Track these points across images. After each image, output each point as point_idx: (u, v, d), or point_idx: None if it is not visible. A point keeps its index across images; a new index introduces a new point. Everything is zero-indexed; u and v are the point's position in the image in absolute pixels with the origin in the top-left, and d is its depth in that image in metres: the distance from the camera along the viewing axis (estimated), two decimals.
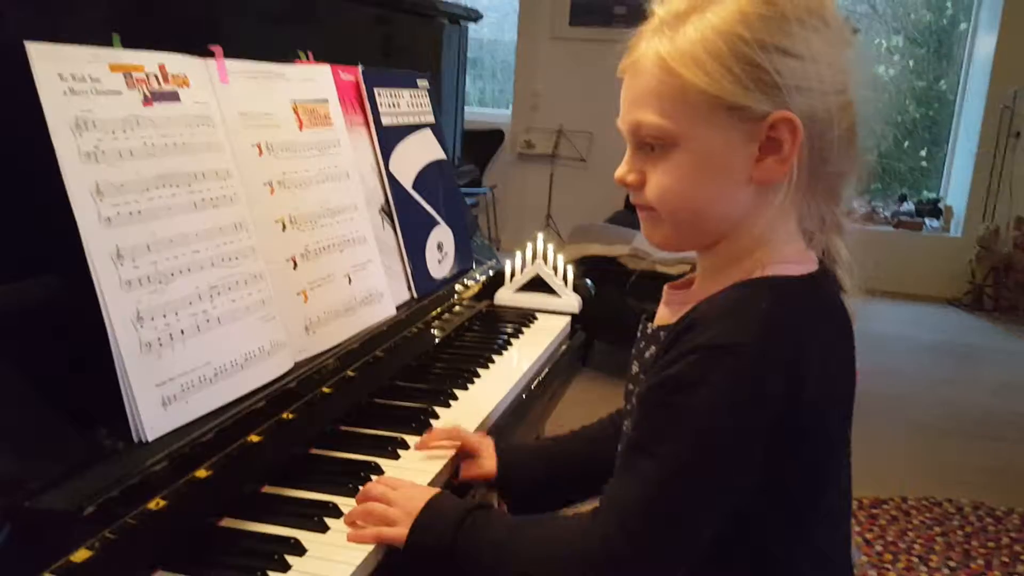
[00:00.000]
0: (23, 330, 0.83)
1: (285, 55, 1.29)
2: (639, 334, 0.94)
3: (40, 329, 0.85)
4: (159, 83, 0.97)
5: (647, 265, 3.51)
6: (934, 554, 2.55)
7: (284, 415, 1.02)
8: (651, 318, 0.94)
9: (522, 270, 1.81)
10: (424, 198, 1.55)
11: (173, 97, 0.99)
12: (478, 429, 1.20)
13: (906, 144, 6.22)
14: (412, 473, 1.05)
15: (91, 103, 0.88)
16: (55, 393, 0.81)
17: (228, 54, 1.11)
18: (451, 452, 1.13)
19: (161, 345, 0.88)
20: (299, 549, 0.88)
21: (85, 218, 0.84)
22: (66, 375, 0.84)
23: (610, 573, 0.79)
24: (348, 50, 1.45)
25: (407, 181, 1.51)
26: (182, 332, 0.91)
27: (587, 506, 0.88)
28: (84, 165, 0.85)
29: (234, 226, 1.03)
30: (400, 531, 0.89)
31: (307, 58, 1.34)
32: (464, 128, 2.20)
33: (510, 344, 1.57)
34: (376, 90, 1.46)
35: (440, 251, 1.58)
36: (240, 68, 1.13)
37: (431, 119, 1.63)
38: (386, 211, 1.44)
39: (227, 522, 0.93)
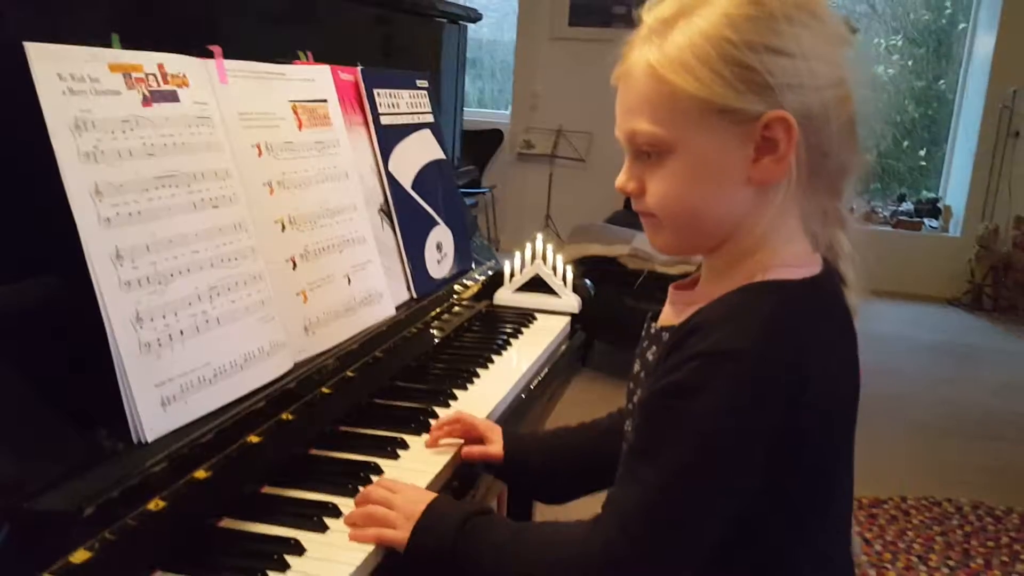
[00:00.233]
0: (22, 331, 0.83)
1: (284, 55, 1.29)
2: (643, 334, 0.94)
3: (39, 330, 0.85)
4: (158, 83, 0.97)
5: (647, 265, 3.51)
6: (933, 553, 2.55)
7: (284, 415, 1.02)
8: (655, 318, 0.94)
9: (521, 270, 1.81)
10: (423, 198, 1.54)
11: (172, 97, 0.99)
12: (492, 460, 1.19)
13: (905, 144, 6.22)
14: (412, 473, 1.05)
15: (90, 103, 0.88)
16: (54, 394, 0.81)
17: (227, 54, 1.10)
18: (454, 449, 1.13)
19: (160, 346, 0.88)
20: (299, 549, 0.88)
21: (84, 218, 0.84)
22: (65, 376, 0.84)
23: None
24: (347, 50, 1.45)
25: (406, 181, 1.51)
26: (181, 333, 0.91)
27: (590, 500, 0.88)
28: (83, 165, 0.85)
29: (233, 226, 1.02)
30: (401, 534, 0.89)
31: (306, 58, 1.34)
32: (463, 128, 2.19)
33: (509, 344, 1.57)
34: (375, 90, 1.46)
35: (439, 251, 1.58)
36: (239, 68, 1.13)
37: (430, 119, 1.63)
38: (385, 211, 1.44)
39: (227, 523, 0.93)
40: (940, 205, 5.95)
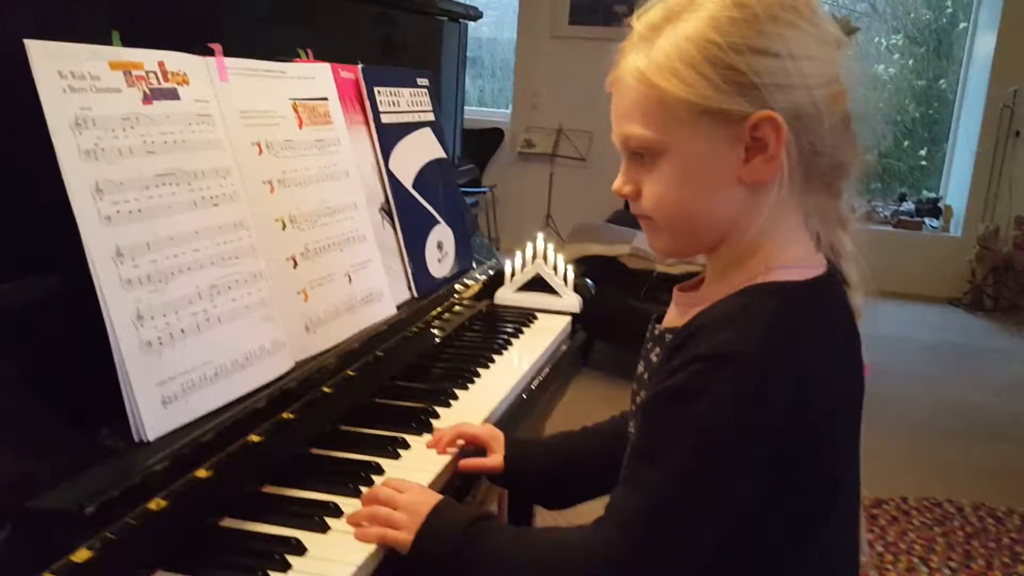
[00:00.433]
0: (23, 329, 0.83)
1: (285, 53, 1.29)
2: (647, 335, 0.94)
3: (40, 328, 0.85)
4: (159, 81, 0.97)
5: (648, 265, 3.51)
6: (935, 554, 2.54)
7: (284, 415, 1.02)
8: (660, 319, 0.93)
9: (522, 270, 1.80)
10: (424, 197, 1.54)
11: (173, 95, 0.99)
12: (492, 471, 1.18)
13: (906, 143, 6.22)
14: (413, 473, 1.05)
15: (91, 101, 0.87)
16: (55, 393, 0.81)
17: (228, 52, 1.10)
18: (456, 449, 1.13)
19: (161, 344, 0.88)
20: (300, 549, 0.87)
21: (85, 216, 0.83)
22: (66, 374, 0.84)
23: None
24: (348, 48, 1.45)
25: (407, 180, 1.50)
26: (182, 331, 0.91)
27: (594, 503, 0.88)
28: (84, 163, 0.85)
29: (234, 225, 1.02)
30: (405, 536, 0.89)
31: (307, 56, 1.34)
32: (464, 127, 2.19)
33: (510, 344, 1.56)
34: (376, 88, 1.46)
35: (440, 250, 1.57)
36: (240, 66, 1.13)
37: (431, 118, 1.63)
38: (386, 210, 1.44)
39: (228, 522, 0.92)
40: (941, 205, 5.94)
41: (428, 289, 1.50)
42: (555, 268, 1.81)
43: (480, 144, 5.80)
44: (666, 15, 0.81)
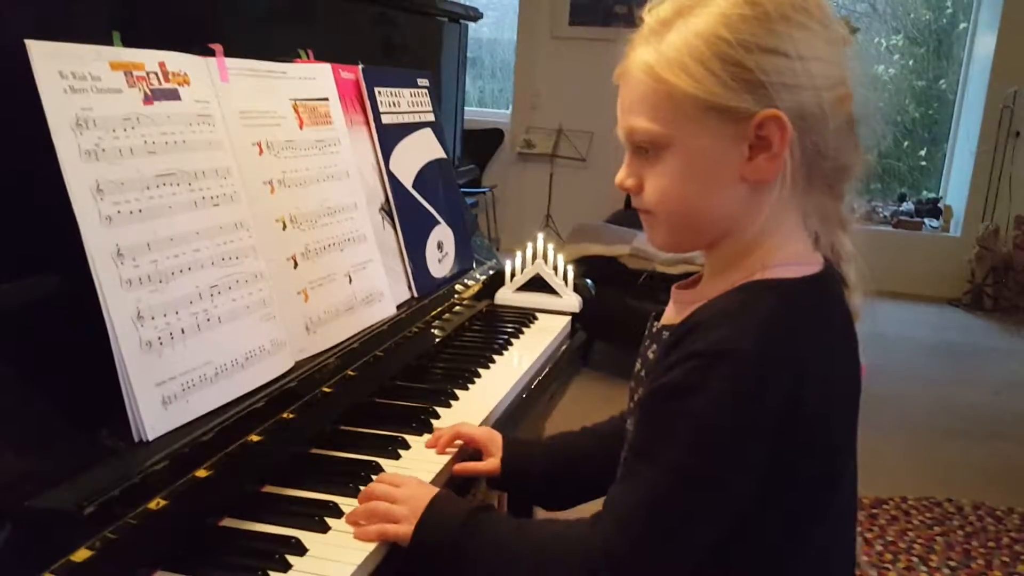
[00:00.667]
0: (23, 329, 0.83)
1: (285, 54, 1.29)
2: (646, 333, 0.94)
3: (41, 328, 0.85)
4: (159, 81, 0.97)
5: (648, 265, 3.51)
6: (934, 554, 2.55)
7: (284, 415, 1.02)
8: (659, 317, 0.94)
9: (522, 270, 1.81)
10: (424, 197, 1.54)
11: (173, 95, 0.99)
12: (489, 474, 1.18)
13: (906, 144, 6.22)
14: (413, 473, 1.05)
15: (91, 101, 0.87)
16: (55, 392, 0.81)
17: (228, 53, 1.10)
18: (456, 449, 1.13)
19: (162, 344, 0.88)
20: (300, 549, 0.88)
21: (85, 217, 0.83)
22: (67, 374, 0.84)
23: (610, 574, 0.79)
24: (348, 49, 1.45)
25: (407, 180, 1.51)
26: (182, 331, 0.91)
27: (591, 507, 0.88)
28: (84, 163, 0.85)
29: (234, 225, 1.02)
30: (405, 529, 0.90)
31: (307, 57, 1.34)
32: (464, 128, 2.19)
33: (510, 344, 1.56)
34: (376, 89, 1.46)
35: (440, 250, 1.58)
36: (240, 66, 1.13)
37: (431, 118, 1.63)
38: (386, 210, 1.44)
39: (228, 522, 0.93)
40: (940, 205, 5.94)
41: (428, 289, 1.50)
42: (555, 268, 1.81)
43: (480, 144, 5.80)
44: (677, 9, 0.81)
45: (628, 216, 4.08)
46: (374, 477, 1.02)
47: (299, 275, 1.15)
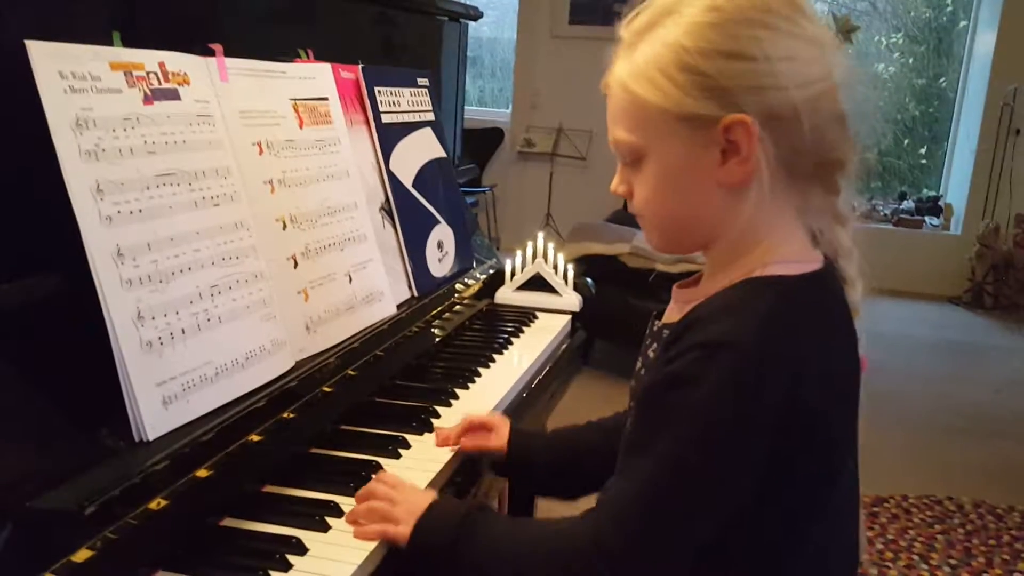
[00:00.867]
0: (24, 329, 0.83)
1: (285, 53, 1.29)
2: (647, 332, 0.94)
3: (41, 328, 0.85)
4: (159, 81, 0.97)
5: (648, 264, 3.51)
6: (935, 552, 2.55)
7: (285, 414, 1.02)
8: (660, 316, 0.94)
9: (522, 269, 1.81)
10: (424, 197, 1.54)
11: (173, 95, 0.99)
12: (496, 453, 1.18)
13: (906, 142, 6.22)
14: (414, 472, 1.05)
15: (91, 101, 0.87)
16: (56, 392, 0.81)
17: (228, 52, 1.10)
18: (456, 447, 1.13)
19: (162, 344, 0.88)
20: (300, 548, 0.88)
21: (85, 217, 0.84)
22: (67, 374, 0.84)
23: (603, 570, 0.79)
24: (348, 48, 1.45)
25: (407, 179, 1.51)
26: (183, 331, 0.91)
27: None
28: (84, 163, 0.85)
29: (235, 225, 1.02)
30: (403, 530, 0.90)
31: (307, 56, 1.34)
32: (464, 127, 2.19)
33: (511, 343, 1.56)
34: (376, 88, 1.46)
35: (440, 250, 1.58)
36: (240, 66, 1.13)
37: (431, 117, 1.63)
38: (386, 210, 1.44)
39: (228, 522, 0.93)
40: (941, 203, 5.94)
41: (428, 288, 1.50)
42: (555, 267, 1.81)
43: (480, 144, 5.80)
44: (648, 23, 0.83)
45: (628, 215, 4.07)
46: (374, 477, 1.02)
47: (299, 275, 1.15)
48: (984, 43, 5.63)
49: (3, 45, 0.83)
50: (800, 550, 0.84)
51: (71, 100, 0.85)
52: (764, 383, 0.76)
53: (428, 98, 1.64)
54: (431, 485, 1.05)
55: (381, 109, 1.46)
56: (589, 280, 1.88)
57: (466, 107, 2.22)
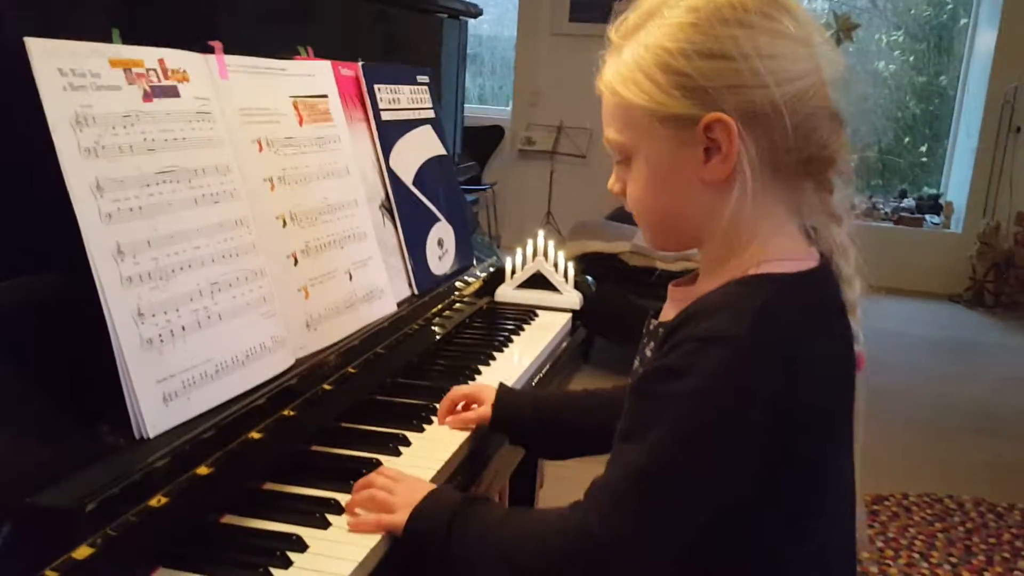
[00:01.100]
0: (24, 327, 0.83)
1: (285, 51, 1.29)
2: (644, 331, 0.94)
3: (41, 326, 0.85)
4: (159, 78, 0.97)
5: (648, 262, 3.51)
6: (935, 550, 2.55)
7: (285, 412, 1.02)
8: (656, 315, 0.94)
9: (523, 267, 1.80)
10: (424, 194, 1.54)
11: (173, 92, 0.99)
12: (481, 424, 1.19)
13: (906, 140, 6.22)
14: (414, 470, 1.05)
15: (91, 98, 0.87)
16: (56, 390, 0.81)
17: (228, 50, 1.10)
18: (456, 446, 1.13)
19: (162, 341, 0.88)
20: (301, 545, 0.88)
21: (85, 214, 0.83)
22: (67, 372, 0.84)
23: (589, 557, 0.79)
24: (348, 46, 1.45)
25: (407, 177, 1.50)
26: (183, 328, 0.91)
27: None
28: (84, 161, 0.85)
29: (235, 222, 1.02)
30: (400, 518, 0.90)
31: (307, 54, 1.34)
32: (464, 125, 2.19)
33: (511, 341, 1.56)
34: (376, 86, 1.46)
35: (441, 247, 1.57)
36: (240, 64, 1.13)
37: (431, 115, 1.63)
38: (386, 207, 1.44)
39: (228, 519, 0.93)
40: (941, 201, 5.94)
41: (429, 286, 1.50)
42: (555, 265, 1.81)
43: (480, 141, 5.80)
44: (634, 26, 0.85)
45: (628, 213, 4.06)
46: (375, 471, 1.02)
47: (299, 272, 1.15)
48: (984, 41, 5.63)
49: (2, 42, 0.83)
50: (799, 548, 0.84)
51: (71, 97, 0.85)
52: (756, 378, 0.76)
53: (428, 95, 1.64)
54: (431, 482, 1.04)
55: (381, 106, 1.46)
56: (589, 278, 1.88)
57: (466, 105, 2.22)
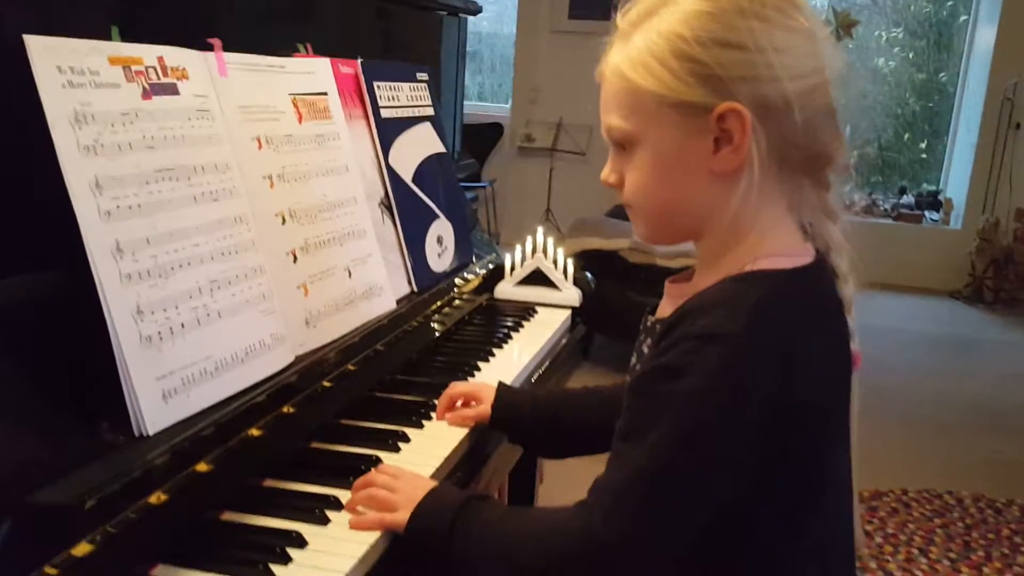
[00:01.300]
0: (23, 324, 0.83)
1: (284, 48, 1.29)
2: (641, 327, 0.94)
3: (40, 323, 0.85)
4: (158, 76, 0.97)
5: (647, 259, 3.51)
6: (934, 546, 2.55)
7: (285, 409, 1.02)
8: (653, 311, 0.94)
9: (522, 264, 1.81)
10: (424, 191, 1.54)
11: (172, 90, 0.99)
12: (480, 423, 1.20)
13: (906, 136, 6.22)
14: (413, 467, 1.05)
15: (90, 96, 0.87)
16: (56, 387, 0.81)
17: (227, 47, 1.10)
18: (455, 443, 1.13)
19: (161, 339, 0.88)
20: (300, 542, 0.88)
21: (84, 212, 0.84)
22: (67, 369, 0.84)
23: (591, 557, 0.79)
24: (347, 43, 1.45)
25: (407, 174, 1.50)
26: (182, 326, 0.91)
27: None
28: (83, 158, 0.85)
29: (234, 219, 1.02)
30: (401, 516, 0.90)
31: (306, 51, 1.34)
32: (463, 122, 2.19)
33: (510, 338, 1.57)
34: (375, 83, 1.46)
35: (440, 245, 1.58)
36: (239, 61, 1.13)
37: (431, 112, 1.63)
38: (386, 204, 1.44)
39: (228, 516, 0.93)
40: (941, 198, 5.94)
41: (428, 283, 1.50)
42: (555, 262, 1.81)
43: (480, 139, 5.79)
44: (646, 12, 0.84)
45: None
46: (375, 469, 1.02)
47: (299, 269, 1.15)
48: (984, 38, 5.62)
49: (1, 40, 0.83)
50: (796, 544, 0.84)
51: (69, 95, 0.85)
52: (753, 375, 0.77)
53: (427, 93, 1.64)
54: (431, 479, 1.04)
55: (380, 104, 1.46)
56: (589, 275, 1.88)
57: (465, 102, 2.22)
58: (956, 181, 5.89)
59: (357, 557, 0.87)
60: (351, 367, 1.18)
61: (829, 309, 0.85)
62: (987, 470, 3.07)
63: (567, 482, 1.23)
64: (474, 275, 1.70)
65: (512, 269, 1.81)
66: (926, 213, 5.91)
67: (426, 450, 1.12)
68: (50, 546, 0.71)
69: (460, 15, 2.09)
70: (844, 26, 4.89)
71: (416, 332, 1.41)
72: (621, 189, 0.89)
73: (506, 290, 1.79)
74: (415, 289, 1.46)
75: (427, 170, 1.56)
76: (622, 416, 0.83)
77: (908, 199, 6.05)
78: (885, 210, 5.96)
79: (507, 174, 6.09)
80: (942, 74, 6.13)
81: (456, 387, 1.22)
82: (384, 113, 1.47)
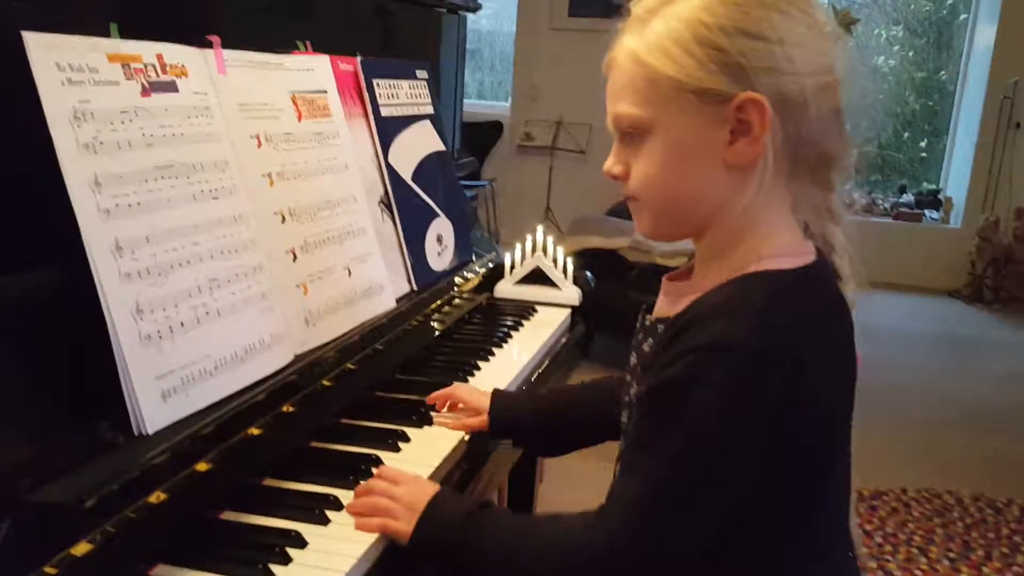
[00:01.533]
0: (22, 323, 0.83)
1: (283, 45, 1.29)
2: (638, 326, 0.94)
3: (40, 322, 0.85)
4: (157, 73, 0.97)
5: (647, 257, 3.51)
6: (934, 545, 2.55)
7: (284, 408, 1.02)
8: (650, 310, 0.94)
9: (522, 262, 1.80)
10: (423, 190, 1.54)
11: (171, 88, 0.98)
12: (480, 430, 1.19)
13: (906, 135, 6.21)
14: (413, 466, 1.05)
15: (89, 93, 0.87)
16: (55, 386, 0.81)
17: (226, 45, 1.10)
18: (455, 441, 1.13)
19: (161, 338, 0.88)
20: (300, 542, 0.87)
21: (84, 210, 0.83)
22: (66, 368, 0.84)
23: (612, 565, 0.80)
24: (347, 40, 1.44)
25: (406, 173, 1.50)
26: (182, 324, 0.91)
27: (595, 481, 0.89)
28: (82, 156, 0.84)
29: (233, 218, 1.02)
30: (405, 526, 0.90)
31: (306, 49, 1.33)
32: (463, 120, 2.19)
33: (510, 336, 1.56)
34: (375, 81, 1.45)
35: (440, 243, 1.57)
36: (238, 59, 1.13)
37: (430, 110, 1.63)
38: (385, 203, 1.43)
39: (228, 515, 0.92)
40: (941, 197, 5.94)
41: (428, 282, 1.50)
42: (555, 261, 1.81)
43: (479, 137, 5.79)
44: None
45: (627, 209, 4.05)
46: (374, 470, 1.02)
47: (298, 268, 1.14)
48: (984, 36, 5.62)
49: (1, 37, 0.82)
50: (801, 541, 0.84)
51: (69, 92, 0.85)
52: (764, 381, 0.76)
53: (427, 91, 1.63)
54: (431, 479, 1.04)
55: (380, 102, 1.46)
56: (589, 274, 1.88)
57: (465, 100, 2.22)
58: (956, 180, 5.89)
59: (356, 557, 0.87)
60: (351, 366, 1.18)
61: (835, 309, 0.85)
62: (987, 469, 3.07)
63: (567, 482, 1.23)
64: (474, 274, 1.69)
65: (512, 268, 1.81)
66: (926, 212, 5.91)
67: (426, 449, 1.11)
68: (50, 545, 0.71)
69: (460, 12, 2.08)
70: (844, 24, 4.88)
71: (416, 331, 1.41)
72: (626, 181, 0.87)
73: (506, 289, 1.79)
74: (415, 288, 1.46)
75: (427, 168, 1.56)
76: (634, 426, 0.83)
77: (908, 198, 6.05)
78: (885, 209, 5.96)
79: (507, 173, 6.08)
80: (942, 73, 6.13)
81: (450, 395, 1.21)
82: (384, 111, 1.47)
